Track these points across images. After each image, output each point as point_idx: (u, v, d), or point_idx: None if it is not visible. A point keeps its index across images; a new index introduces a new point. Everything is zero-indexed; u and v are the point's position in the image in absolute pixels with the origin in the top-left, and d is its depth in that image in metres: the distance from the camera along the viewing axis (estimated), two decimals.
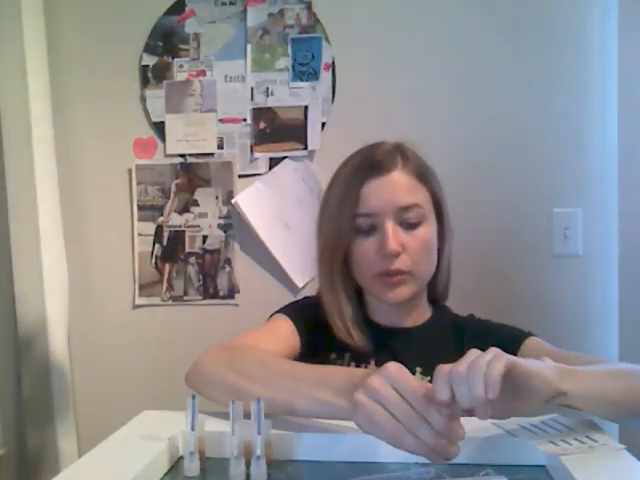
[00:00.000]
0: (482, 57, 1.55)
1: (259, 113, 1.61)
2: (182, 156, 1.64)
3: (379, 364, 0.98)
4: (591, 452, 0.68)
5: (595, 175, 1.52)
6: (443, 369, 0.61)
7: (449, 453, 0.59)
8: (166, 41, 1.63)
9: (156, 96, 1.64)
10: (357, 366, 1.00)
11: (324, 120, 1.59)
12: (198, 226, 1.63)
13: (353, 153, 1.03)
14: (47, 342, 1.55)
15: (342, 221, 0.98)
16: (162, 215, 1.64)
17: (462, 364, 0.60)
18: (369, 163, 0.98)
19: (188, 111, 1.63)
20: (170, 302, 1.65)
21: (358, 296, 1.05)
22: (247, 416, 0.66)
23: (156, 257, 1.65)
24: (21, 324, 1.57)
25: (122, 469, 0.65)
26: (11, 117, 1.54)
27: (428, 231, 0.99)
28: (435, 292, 1.08)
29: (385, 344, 1.02)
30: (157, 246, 1.65)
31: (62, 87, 1.65)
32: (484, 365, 0.59)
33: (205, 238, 1.64)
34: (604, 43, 1.50)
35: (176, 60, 1.63)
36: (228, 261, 1.63)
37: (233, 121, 1.62)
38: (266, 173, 1.61)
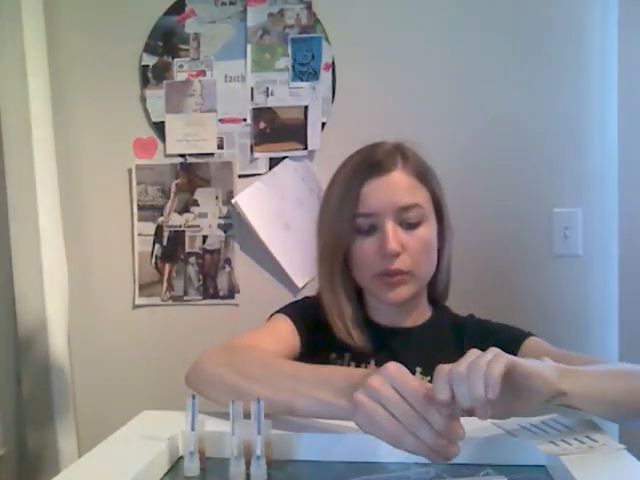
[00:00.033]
0: (482, 57, 1.55)
1: (259, 113, 1.61)
2: (182, 156, 1.64)
3: (379, 364, 0.98)
4: (591, 452, 0.68)
5: (595, 175, 1.52)
6: (443, 369, 0.61)
7: (449, 453, 0.59)
8: (166, 41, 1.63)
9: (156, 96, 1.64)
10: (357, 366, 1.00)
11: (324, 120, 1.59)
12: (198, 226, 1.64)
13: (353, 153, 1.03)
14: (47, 342, 1.55)
15: (342, 221, 0.98)
16: (162, 215, 1.64)
17: (462, 364, 0.60)
18: (369, 163, 0.98)
19: (188, 111, 1.63)
20: (170, 302, 1.65)
21: (358, 296, 1.05)
22: (247, 416, 0.66)
23: (156, 257, 1.65)
24: (21, 324, 1.57)
25: (122, 469, 0.65)
26: (11, 117, 1.54)
27: (428, 231, 0.99)
28: (435, 292, 1.08)
29: (385, 344, 1.02)
30: (157, 246, 1.65)
31: (62, 87, 1.65)
32: (484, 365, 0.59)
33: (205, 238, 1.64)
34: (604, 43, 1.50)
35: (176, 60, 1.63)
36: (228, 261, 1.63)
37: (233, 121, 1.62)
38: (266, 173, 1.61)
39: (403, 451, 0.60)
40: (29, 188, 1.53)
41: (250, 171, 1.62)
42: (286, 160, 1.61)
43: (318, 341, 1.02)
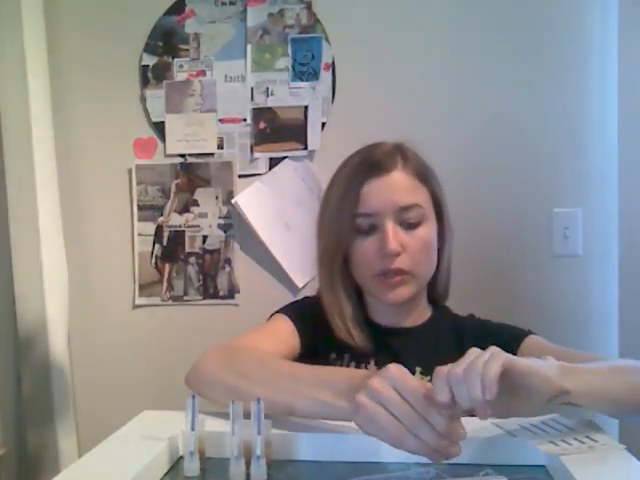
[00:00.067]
0: (482, 57, 1.55)
1: (259, 113, 1.61)
2: (182, 156, 1.64)
3: (379, 364, 0.99)
4: (591, 452, 0.68)
5: (595, 175, 1.52)
6: (442, 371, 0.61)
7: (450, 453, 0.59)
8: (166, 41, 1.63)
9: (156, 96, 1.64)
10: (357, 366, 1.00)
11: (324, 120, 1.59)
12: (198, 226, 1.63)
13: (353, 153, 1.03)
14: (47, 342, 1.55)
15: (342, 221, 0.98)
16: (162, 215, 1.64)
17: (460, 365, 0.61)
18: (369, 163, 0.98)
19: (188, 111, 1.63)
20: (170, 302, 1.65)
21: (358, 296, 1.05)
22: (247, 416, 0.66)
23: (156, 257, 1.65)
24: (21, 324, 1.57)
25: (122, 469, 0.65)
26: (11, 117, 1.54)
27: (428, 231, 0.99)
28: (435, 292, 1.08)
29: (385, 344, 1.02)
30: (157, 246, 1.65)
31: (62, 87, 1.65)
32: (481, 366, 0.60)
33: (205, 238, 1.64)
34: (604, 43, 1.50)
35: (176, 60, 1.63)
36: (228, 261, 1.63)
37: (233, 121, 1.62)
38: (266, 173, 1.61)
39: (404, 451, 0.60)
40: (29, 188, 1.53)
41: (250, 171, 1.62)
42: (286, 160, 1.61)
43: (318, 341, 1.02)
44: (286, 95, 1.60)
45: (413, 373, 0.97)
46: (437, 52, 1.57)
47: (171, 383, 1.41)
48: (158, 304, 1.65)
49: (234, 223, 1.62)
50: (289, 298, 1.43)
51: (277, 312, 1.06)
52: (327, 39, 1.59)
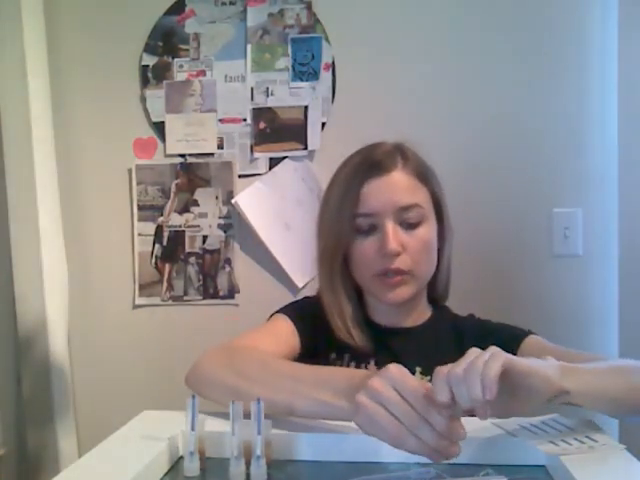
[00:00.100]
0: (482, 57, 1.55)
1: (259, 113, 1.61)
2: (182, 156, 1.64)
3: (379, 364, 0.99)
4: (591, 452, 0.68)
5: (595, 175, 1.52)
6: (442, 371, 0.61)
7: (450, 453, 0.59)
8: (166, 41, 1.63)
9: (156, 96, 1.64)
10: (357, 366, 1.00)
11: (324, 120, 1.59)
12: (198, 226, 1.63)
13: (353, 153, 1.03)
14: (47, 342, 1.55)
15: (342, 221, 0.98)
16: (162, 215, 1.64)
17: (460, 365, 0.61)
18: (369, 163, 0.98)
19: (188, 111, 1.63)
20: (170, 302, 1.65)
21: (358, 296, 1.05)
22: (247, 416, 0.66)
23: (156, 257, 1.65)
24: (21, 324, 1.57)
25: (122, 469, 0.65)
26: (11, 117, 1.54)
27: (428, 231, 0.99)
28: (435, 292, 1.08)
29: (385, 344, 1.02)
30: (157, 246, 1.65)
31: (62, 87, 1.65)
32: (481, 366, 0.60)
33: (205, 238, 1.64)
34: (604, 43, 1.50)
35: (176, 60, 1.63)
36: (228, 261, 1.63)
37: (233, 121, 1.62)
38: (266, 173, 1.61)
39: (404, 451, 0.60)
40: (29, 188, 1.53)
41: (250, 171, 1.62)
42: (286, 160, 1.61)
43: (318, 341, 1.02)
44: (286, 95, 1.60)
45: (413, 373, 0.97)
46: (437, 52, 1.57)
47: (171, 383, 1.41)
48: (158, 304, 1.65)
49: (234, 223, 1.62)
50: (289, 298, 1.43)
51: (277, 312, 1.06)
52: (327, 39, 1.59)
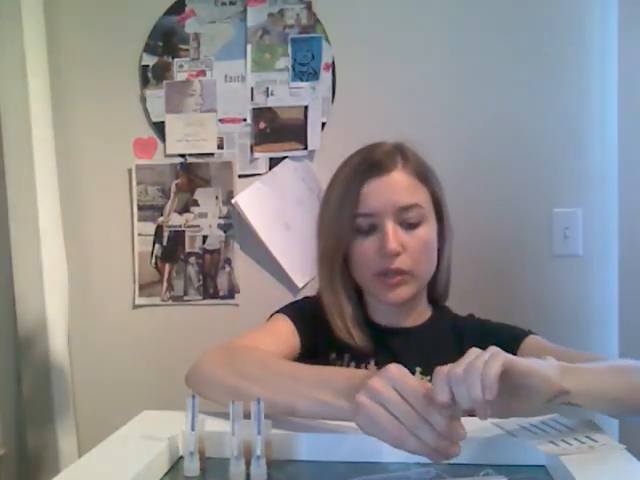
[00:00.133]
0: (482, 57, 1.55)
1: (259, 113, 1.61)
2: (182, 156, 1.64)
3: (379, 364, 0.99)
4: (591, 452, 0.68)
5: (595, 175, 1.52)
6: (442, 371, 0.61)
7: (450, 453, 0.59)
8: (166, 41, 1.63)
9: (156, 96, 1.64)
10: (357, 366, 1.00)
11: (324, 120, 1.59)
12: (198, 226, 1.63)
13: (353, 153, 1.03)
14: (47, 342, 1.55)
15: (342, 221, 0.98)
16: (162, 215, 1.64)
17: (460, 365, 0.61)
18: (369, 163, 0.98)
19: (188, 111, 1.63)
20: (170, 302, 1.65)
21: (358, 296, 1.05)
22: (247, 416, 0.66)
23: (156, 257, 1.65)
24: (21, 324, 1.57)
25: (122, 469, 0.65)
26: (11, 117, 1.54)
27: (428, 231, 0.99)
28: (435, 292, 1.08)
29: (385, 344, 1.02)
30: (157, 246, 1.65)
31: (62, 87, 1.65)
32: (481, 366, 0.60)
33: (205, 238, 1.64)
34: (604, 43, 1.50)
35: (176, 60, 1.63)
36: (228, 261, 1.63)
37: (233, 121, 1.62)
38: (266, 173, 1.61)
39: (404, 451, 0.60)
40: (29, 188, 1.53)
41: (250, 171, 1.62)
42: (286, 160, 1.61)
43: (318, 341, 1.02)
44: (286, 95, 1.60)
45: (413, 373, 0.97)
46: (437, 52, 1.57)
47: (171, 383, 1.41)
48: (158, 304, 1.65)
49: (234, 223, 1.62)
50: (289, 298, 1.43)
51: (277, 312, 1.06)
52: (327, 39, 1.59)
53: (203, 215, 1.63)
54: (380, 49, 1.57)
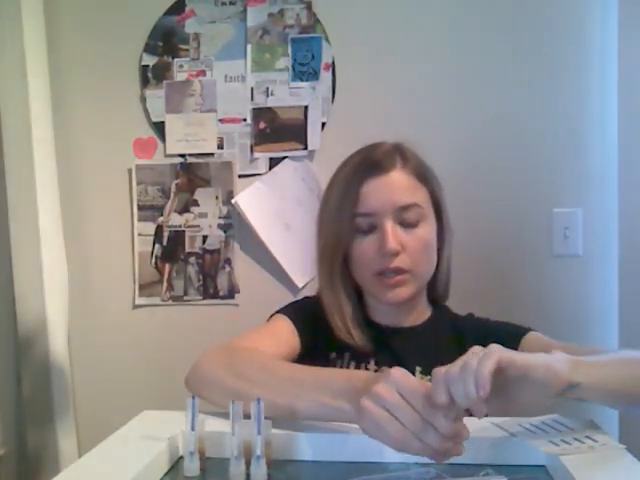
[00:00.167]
0: (482, 57, 1.55)
1: (259, 113, 1.61)
2: (182, 156, 1.64)
3: (379, 364, 0.99)
4: (591, 452, 0.68)
5: (595, 175, 1.52)
6: (439, 372, 0.61)
7: (454, 453, 0.60)
8: (166, 41, 1.63)
9: (156, 96, 1.64)
10: (357, 366, 1.00)
11: (324, 120, 1.59)
12: (198, 226, 1.63)
13: (353, 153, 1.04)
14: (47, 342, 1.55)
15: (342, 221, 0.98)
16: (162, 215, 1.64)
17: (457, 364, 0.61)
18: (369, 163, 0.98)
19: (188, 111, 1.63)
20: (170, 302, 1.65)
21: (358, 296, 1.05)
22: (247, 416, 0.66)
23: (156, 257, 1.65)
24: (21, 324, 1.57)
25: (122, 469, 0.65)
26: (11, 117, 1.54)
27: (427, 231, 0.99)
28: (435, 292, 1.08)
29: (385, 344, 1.02)
30: (157, 246, 1.65)
31: (62, 87, 1.65)
32: (475, 364, 0.60)
33: (205, 238, 1.64)
34: (604, 43, 1.50)
35: (176, 60, 1.63)
36: (228, 261, 1.63)
37: (233, 121, 1.62)
38: (266, 173, 1.61)
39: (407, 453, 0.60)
40: (29, 188, 1.53)
41: (250, 171, 1.62)
42: (286, 160, 1.61)
43: (318, 341, 1.02)
44: (286, 95, 1.60)
45: (413, 373, 0.97)
46: (437, 52, 1.57)
47: (171, 383, 1.41)
48: (158, 304, 1.65)
49: (234, 223, 1.62)
50: (289, 298, 1.43)
51: (277, 312, 1.06)
52: (327, 39, 1.59)
53: (203, 215, 1.63)
54: (380, 49, 1.58)
